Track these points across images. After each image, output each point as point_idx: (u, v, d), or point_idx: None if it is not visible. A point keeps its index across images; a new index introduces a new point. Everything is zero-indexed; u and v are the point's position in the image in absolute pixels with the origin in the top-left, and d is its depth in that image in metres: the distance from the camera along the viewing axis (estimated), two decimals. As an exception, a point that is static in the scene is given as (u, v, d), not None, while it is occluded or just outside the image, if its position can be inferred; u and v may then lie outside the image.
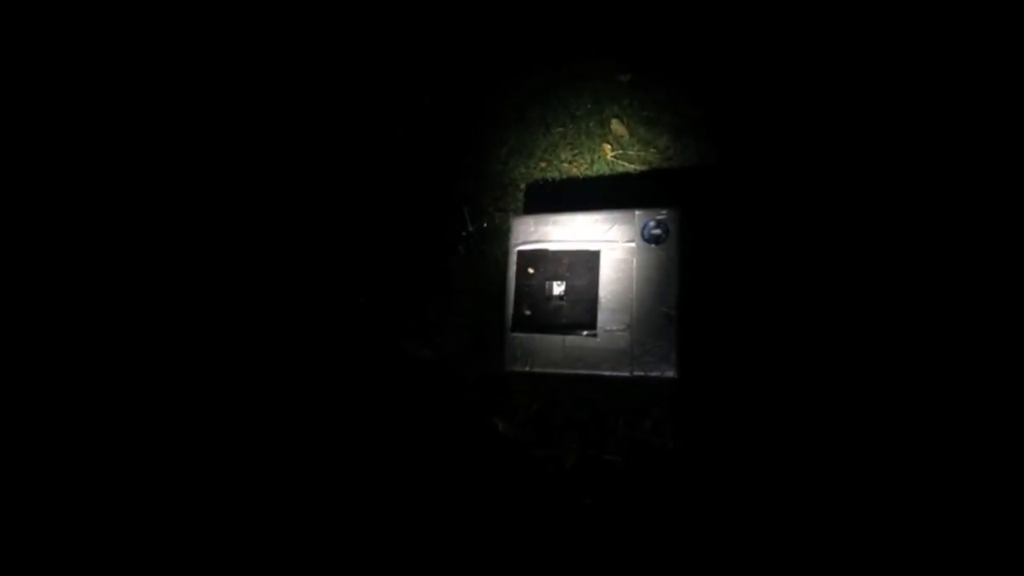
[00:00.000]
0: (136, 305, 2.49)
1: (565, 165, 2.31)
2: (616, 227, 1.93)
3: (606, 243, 1.93)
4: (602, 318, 1.90)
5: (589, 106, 2.35)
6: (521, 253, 2.01)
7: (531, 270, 2.00)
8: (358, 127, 2.55)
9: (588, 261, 1.94)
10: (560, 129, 2.36)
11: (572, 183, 2.29)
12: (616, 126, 2.30)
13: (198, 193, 2.57)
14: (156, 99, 2.65)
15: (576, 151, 2.32)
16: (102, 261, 2.53)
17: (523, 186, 2.34)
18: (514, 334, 1.97)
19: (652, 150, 2.25)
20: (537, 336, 1.95)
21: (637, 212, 1.93)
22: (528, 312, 1.98)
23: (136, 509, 2.29)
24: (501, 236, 2.28)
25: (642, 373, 1.83)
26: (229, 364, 2.40)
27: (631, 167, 2.24)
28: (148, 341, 2.45)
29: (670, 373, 1.82)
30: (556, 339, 1.93)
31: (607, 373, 1.87)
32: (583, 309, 1.93)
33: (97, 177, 2.60)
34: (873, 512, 1.83)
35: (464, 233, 2.34)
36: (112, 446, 2.36)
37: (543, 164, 2.34)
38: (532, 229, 2.02)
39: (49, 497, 2.31)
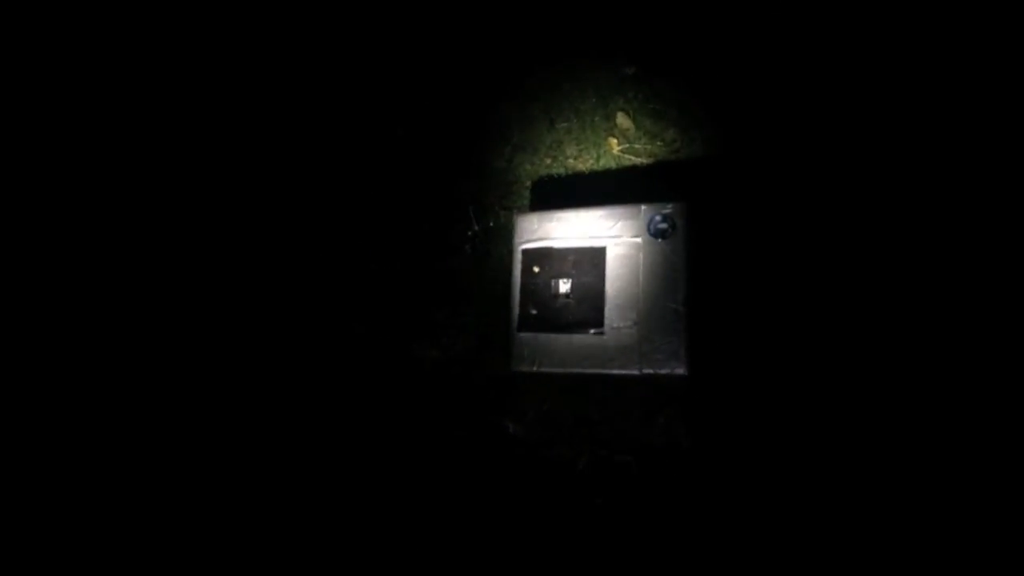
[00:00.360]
0: (145, 307, 2.49)
1: (571, 161, 2.28)
2: (622, 222, 1.90)
3: (612, 239, 1.90)
4: (609, 315, 1.86)
5: (594, 100, 2.31)
6: (526, 251, 1.98)
7: (536, 268, 1.97)
8: (360, 127, 2.53)
9: (593, 258, 1.91)
10: (565, 124, 2.32)
11: (578, 179, 2.25)
12: (622, 120, 2.26)
13: (202, 195, 2.57)
14: (159, 101, 2.65)
15: (582, 146, 2.28)
16: (103, 263, 2.53)
17: (529, 183, 2.30)
18: (520, 334, 1.94)
19: (659, 143, 2.20)
20: (544, 335, 1.92)
21: (643, 207, 1.89)
22: (534, 311, 1.95)
23: (150, 510, 2.30)
24: (507, 235, 2.24)
25: (651, 371, 1.80)
26: (232, 366, 2.40)
27: (638, 161, 2.20)
28: (160, 342, 2.46)
29: (680, 370, 1.78)
30: (563, 338, 1.89)
31: (615, 372, 1.83)
32: (589, 307, 1.89)
33: (95, 179, 2.60)
34: (887, 510, 1.78)
35: (470, 232, 2.32)
36: (122, 449, 2.37)
37: (548, 160, 2.30)
38: (536, 227, 1.99)
39: (54, 497, 2.32)
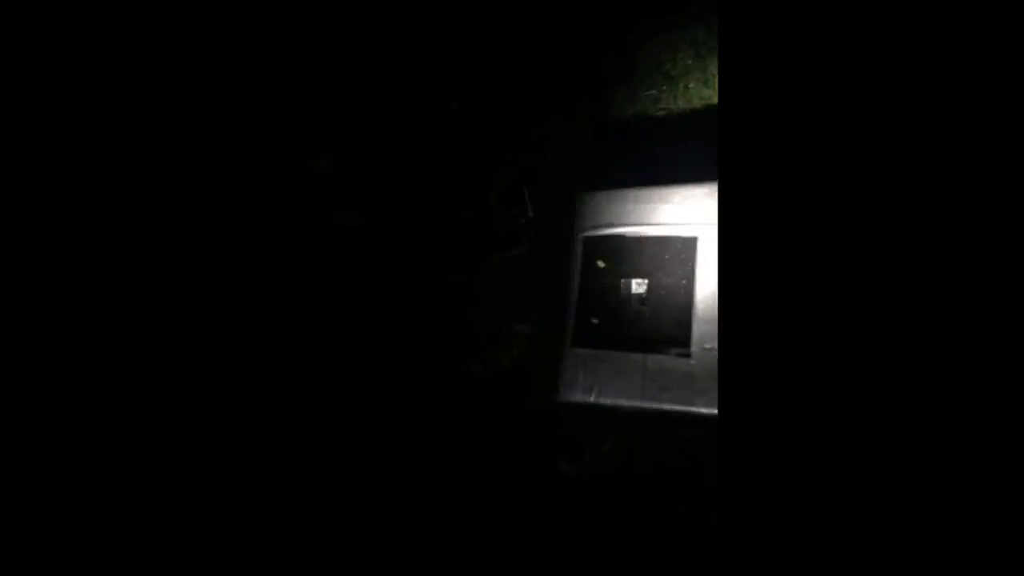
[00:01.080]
0: (183, 307, 2.24)
1: (657, 131, 1.86)
2: (721, 204, 1.41)
3: (708, 227, 1.41)
4: (698, 331, 1.41)
5: (689, 62, 1.88)
6: (588, 241, 1.55)
7: (601, 263, 1.55)
8: (407, 101, 2.20)
9: (681, 251, 1.46)
10: (651, 92, 1.90)
11: (663, 152, 1.80)
12: (724, 85, 1.79)
13: (233, 186, 2.30)
14: (189, 96, 2.38)
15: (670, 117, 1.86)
16: (150, 265, 2.27)
17: (601, 159, 1.90)
18: (576, 350, 1.50)
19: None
20: (607, 354, 1.49)
21: (752, 184, 1.39)
22: (595, 320, 1.52)
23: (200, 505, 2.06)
24: (570, 221, 1.84)
25: (756, 412, 1.28)
26: (255, 366, 2.13)
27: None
28: (193, 339, 2.20)
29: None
30: (634, 359, 1.46)
31: (704, 411, 1.34)
32: (672, 318, 1.45)
33: (153, 184, 2.35)
34: None
35: (523, 220, 1.95)
36: (173, 445, 2.12)
37: (628, 131, 1.89)
38: (604, 208, 1.57)
39: (87, 493, 2.10)
